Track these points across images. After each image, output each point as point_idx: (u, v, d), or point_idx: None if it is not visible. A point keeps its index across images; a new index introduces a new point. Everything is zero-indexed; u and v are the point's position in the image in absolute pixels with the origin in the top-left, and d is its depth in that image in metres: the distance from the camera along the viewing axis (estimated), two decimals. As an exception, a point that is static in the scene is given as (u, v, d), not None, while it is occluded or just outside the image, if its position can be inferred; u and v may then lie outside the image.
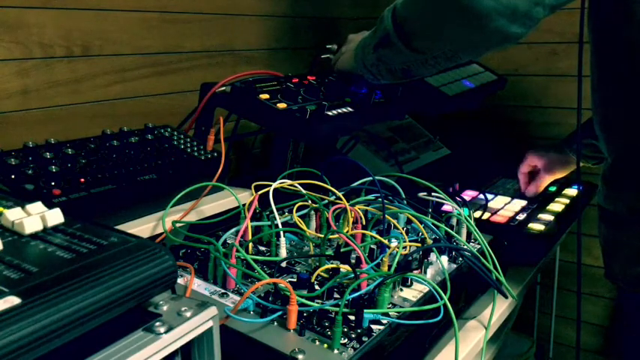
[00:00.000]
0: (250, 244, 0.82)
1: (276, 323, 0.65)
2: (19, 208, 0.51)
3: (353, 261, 0.80)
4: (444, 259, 0.85)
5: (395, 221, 0.88)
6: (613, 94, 0.88)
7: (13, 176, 0.75)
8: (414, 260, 0.79)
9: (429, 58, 0.94)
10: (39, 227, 0.49)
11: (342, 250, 0.80)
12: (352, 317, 0.66)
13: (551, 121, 1.59)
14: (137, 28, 1.17)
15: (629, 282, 0.90)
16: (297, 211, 0.88)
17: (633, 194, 0.86)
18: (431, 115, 1.51)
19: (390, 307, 0.71)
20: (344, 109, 1.05)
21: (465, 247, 0.89)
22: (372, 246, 0.82)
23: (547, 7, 0.79)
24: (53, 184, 0.76)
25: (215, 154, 0.98)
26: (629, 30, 0.81)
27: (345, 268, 0.75)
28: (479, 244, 0.90)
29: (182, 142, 0.98)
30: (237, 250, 0.74)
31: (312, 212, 0.89)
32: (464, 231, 0.93)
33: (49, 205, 0.52)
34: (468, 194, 1.25)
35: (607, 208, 0.91)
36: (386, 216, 0.86)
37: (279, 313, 0.65)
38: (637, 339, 0.93)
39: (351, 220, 0.86)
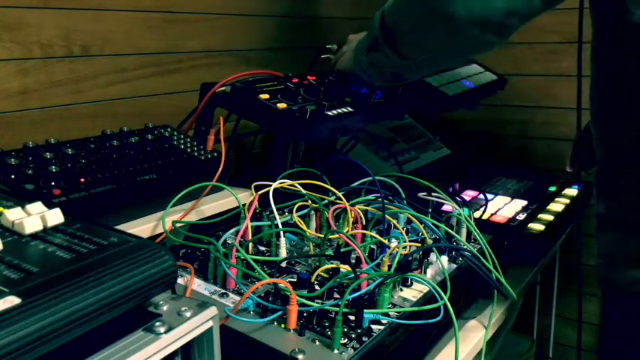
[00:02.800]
0: (250, 244, 0.82)
1: (276, 323, 0.65)
2: (19, 208, 0.51)
3: (353, 261, 0.80)
4: (444, 259, 0.85)
5: (395, 221, 0.88)
6: (602, 92, 0.88)
7: (13, 176, 0.75)
8: (414, 260, 0.79)
9: (412, 64, 0.94)
10: (39, 227, 0.49)
11: (342, 250, 0.80)
12: (352, 317, 0.66)
13: (552, 121, 1.59)
14: (137, 28, 1.17)
15: (612, 284, 0.90)
16: (297, 211, 0.88)
17: (617, 197, 0.86)
18: (431, 115, 1.51)
19: (390, 307, 0.71)
20: (344, 109, 1.05)
21: (465, 247, 0.89)
22: (372, 246, 0.82)
23: (523, 17, 0.78)
24: (53, 184, 0.76)
25: (215, 154, 0.98)
26: (623, 29, 0.80)
27: (345, 268, 0.75)
28: (479, 244, 0.90)
29: (182, 142, 0.98)
30: (237, 250, 0.74)
31: (312, 212, 0.89)
32: (464, 231, 0.93)
33: (49, 205, 0.52)
34: (468, 194, 1.25)
35: (597, 210, 0.91)
36: (386, 216, 0.86)
37: (279, 313, 0.65)
38: (616, 344, 0.93)
39: (351, 220, 0.86)
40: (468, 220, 0.92)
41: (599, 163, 0.90)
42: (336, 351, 0.61)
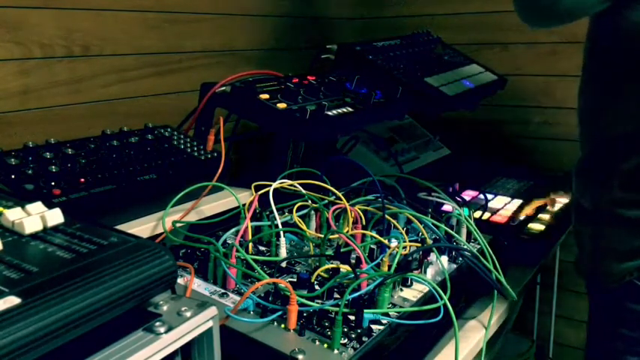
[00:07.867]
0: (250, 244, 0.82)
1: (276, 323, 0.65)
2: (19, 208, 0.51)
3: (353, 261, 0.80)
4: (444, 259, 0.84)
5: (395, 221, 0.88)
6: (586, 86, 0.89)
7: (13, 176, 0.75)
8: (414, 260, 0.79)
9: None
10: (39, 227, 0.49)
11: (342, 250, 0.80)
12: (352, 317, 0.66)
13: (551, 121, 1.59)
14: (137, 28, 1.17)
15: (592, 278, 0.90)
16: (297, 211, 0.88)
17: (597, 190, 0.86)
18: (431, 115, 1.51)
19: (390, 307, 0.71)
20: (344, 109, 1.05)
21: (465, 247, 0.89)
22: (372, 246, 0.82)
23: None
24: (53, 184, 0.76)
25: (215, 154, 0.98)
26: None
27: (345, 268, 0.75)
28: (479, 244, 0.90)
29: (182, 142, 0.98)
30: (237, 250, 0.74)
31: (312, 212, 0.89)
32: (464, 231, 0.93)
33: (49, 205, 0.52)
34: (468, 194, 1.25)
35: (578, 200, 0.91)
36: (386, 216, 0.86)
37: (279, 313, 0.65)
38: (598, 339, 0.93)
39: (351, 220, 0.86)
40: (468, 220, 0.92)
41: (586, 154, 0.90)
42: (336, 351, 0.61)
